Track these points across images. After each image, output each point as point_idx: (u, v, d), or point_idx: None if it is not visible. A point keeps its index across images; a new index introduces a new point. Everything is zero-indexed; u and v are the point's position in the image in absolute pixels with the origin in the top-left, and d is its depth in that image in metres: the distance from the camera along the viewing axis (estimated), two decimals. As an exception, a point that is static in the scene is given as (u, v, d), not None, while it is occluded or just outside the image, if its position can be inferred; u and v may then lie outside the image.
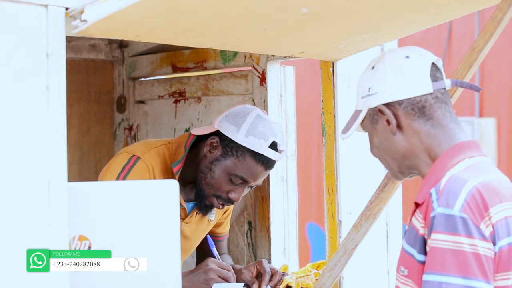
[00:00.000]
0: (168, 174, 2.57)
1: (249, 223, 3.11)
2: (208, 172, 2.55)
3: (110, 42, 3.65)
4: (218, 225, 2.86)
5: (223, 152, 2.53)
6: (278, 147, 2.54)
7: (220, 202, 2.57)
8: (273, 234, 3.02)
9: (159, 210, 1.85)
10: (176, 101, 3.40)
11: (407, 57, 1.85)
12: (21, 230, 1.59)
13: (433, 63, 1.86)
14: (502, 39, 4.45)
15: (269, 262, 2.86)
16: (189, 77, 3.36)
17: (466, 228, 1.65)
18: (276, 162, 2.59)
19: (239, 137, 2.51)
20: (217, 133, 2.55)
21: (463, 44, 6.45)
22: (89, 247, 1.77)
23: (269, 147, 2.51)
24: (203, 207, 2.60)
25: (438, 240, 1.66)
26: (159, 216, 1.85)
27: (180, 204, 2.58)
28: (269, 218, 3.02)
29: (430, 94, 1.83)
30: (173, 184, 1.87)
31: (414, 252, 1.74)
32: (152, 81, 3.53)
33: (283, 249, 3.07)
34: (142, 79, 3.59)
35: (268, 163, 2.54)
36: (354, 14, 2.09)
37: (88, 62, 3.67)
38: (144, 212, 1.84)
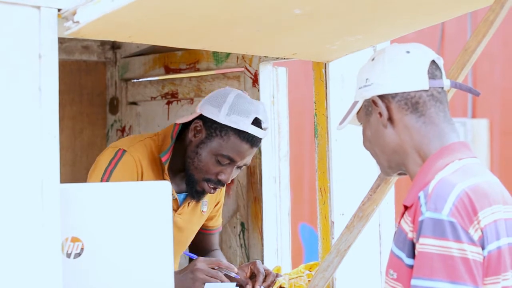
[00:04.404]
0: (156, 165, 2.59)
1: (242, 224, 3.11)
2: (195, 156, 2.56)
3: (103, 43, 3.64)
4: (210, 218, 2.87)
5: (207, 134, 2.55)
6: (262, 124, 2.55)
7: (211, 186, 2.58)
8: (266, 235, 3.02)
9: (151, 211, 1.85)
10: (168, 103, 3.39)
11: (408, 52, 1.84)
12: (13, 231, 1.59)
13: (434, 62, 1.84)
14: (495, 40, 4.45)
15: (262, 263, 2.86)
16: (181, 78, 3.36)
17: (454, 232, 1.63)
18: (262, 140, 2.60)
19: (221, 116, 2.52)
20: (200, 117, 2.57)
21: (456, 45, 6.46)
22: (82, 249, 1.77)
23: (252, 124, 2.52)
24: (195, 193, 2.61)
25: (426, 244, 1.64)
26: (152, 217, 1.85)
27: (172, 195, 2.59)
28: (261, 219, 3.02)
29: (426, 91, 1.82)
30: (165, 185, 1.88)
31: (403, 255, 1.73)
32: (144, 83, 3.53)
33: (276, 250, 3.07)
34: (135, 80, 3.58)
35: (253, 141, 2.55)
36: (347, 15, 2.10)
37: (81, 63, 3.66)
38: (137, 213, 1.84)
